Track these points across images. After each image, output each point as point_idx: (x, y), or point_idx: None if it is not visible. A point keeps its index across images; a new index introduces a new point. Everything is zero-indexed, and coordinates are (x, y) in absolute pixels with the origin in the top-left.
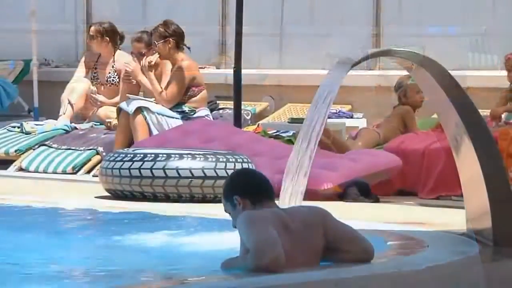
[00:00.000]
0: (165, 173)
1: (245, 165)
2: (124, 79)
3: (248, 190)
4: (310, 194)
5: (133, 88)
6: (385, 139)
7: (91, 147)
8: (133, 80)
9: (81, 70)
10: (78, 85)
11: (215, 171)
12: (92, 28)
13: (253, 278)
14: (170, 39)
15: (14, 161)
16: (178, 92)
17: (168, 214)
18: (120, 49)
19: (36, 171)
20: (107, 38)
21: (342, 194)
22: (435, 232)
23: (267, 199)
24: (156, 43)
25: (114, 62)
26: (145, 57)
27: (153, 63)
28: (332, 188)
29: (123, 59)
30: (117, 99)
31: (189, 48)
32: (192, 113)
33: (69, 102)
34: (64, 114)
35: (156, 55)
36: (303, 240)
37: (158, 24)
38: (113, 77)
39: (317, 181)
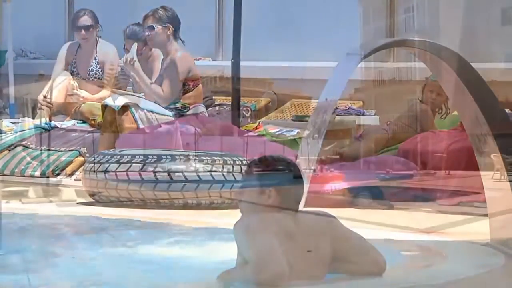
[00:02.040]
0: (155, 176)
1: (244, 168)
2: (120, 79)
3: (286, 195)
4: (316, 199)
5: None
6: (394, 138)
7: (73, 148)
8: (129, 79)
9: (60, 63)
10: (58, 79)
11: (211, 175)
12: (86, 17)
13: None
14: (170, 25)
15: None
16: (174, 87)
17: (159, 222)
18: (101, 37)
19: (12, 175)
20: (99, 26)
21: (352, 200)
22: (456, 242)
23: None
24: (155, 26)
25: (96, 53)
26: (125, 53)
27: (134, 60)
28: (341, 192)
29: (106, 49)
30: (102, 93)
31: (183, 41)
32: (186, 109)
33: (44, 97)
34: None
35: (135, 49)
36: (309, 250)
37: (156, 8)
38: (96, 70)
39: (323, 184)
